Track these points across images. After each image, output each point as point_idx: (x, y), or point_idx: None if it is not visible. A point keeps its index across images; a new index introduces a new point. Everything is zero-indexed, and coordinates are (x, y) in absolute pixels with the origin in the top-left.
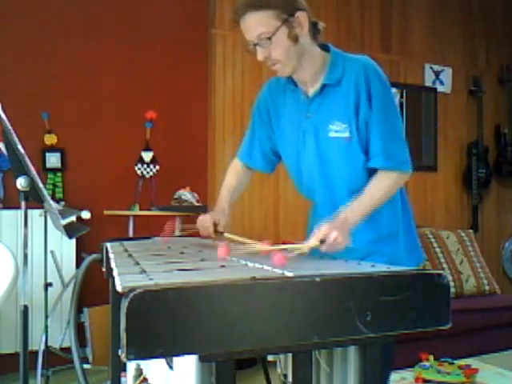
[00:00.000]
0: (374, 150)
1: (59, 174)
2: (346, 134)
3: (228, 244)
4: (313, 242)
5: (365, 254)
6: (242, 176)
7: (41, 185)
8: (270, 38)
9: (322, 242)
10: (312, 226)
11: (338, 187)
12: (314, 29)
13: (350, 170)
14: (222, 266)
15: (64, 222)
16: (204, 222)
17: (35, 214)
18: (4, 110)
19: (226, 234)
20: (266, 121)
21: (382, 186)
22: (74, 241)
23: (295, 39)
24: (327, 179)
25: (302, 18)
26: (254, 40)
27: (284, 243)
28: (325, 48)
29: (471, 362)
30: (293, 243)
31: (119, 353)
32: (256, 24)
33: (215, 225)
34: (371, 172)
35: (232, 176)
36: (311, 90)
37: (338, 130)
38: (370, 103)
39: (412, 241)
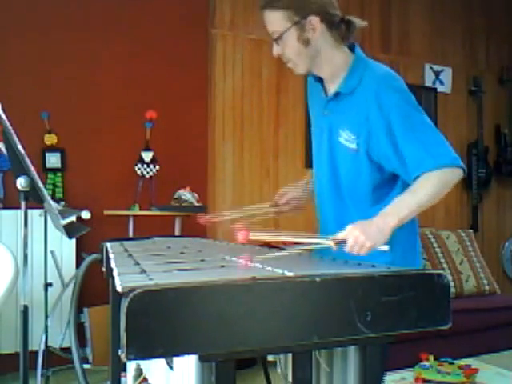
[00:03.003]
0: (416, 158)
1: (59, 174)
2: (354, 146)
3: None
4: (334, 240)
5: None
6: None
7: (41, 185)
8: (279, 38)
9: (344, 241)
10: (321, 228)
11: (346, 192)
12: (345, 28)
13: (354, 179)
14: (222, 266)
15: (64, 221)
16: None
17: (35, 214)
18: (4, 110)
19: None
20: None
21: (426, 182)
22: (73, 241)
23: (306, 42)
24: (336, 180)
25: (314, 21)
26: (271, 36)
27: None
28: (351, 48)
29: (471, 362)
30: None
31: (119, 353)
32: (269, 22)
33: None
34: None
35: None
36: (329, 90)
37: (347, 139)
38: (387, 118)
39: (411, 249)
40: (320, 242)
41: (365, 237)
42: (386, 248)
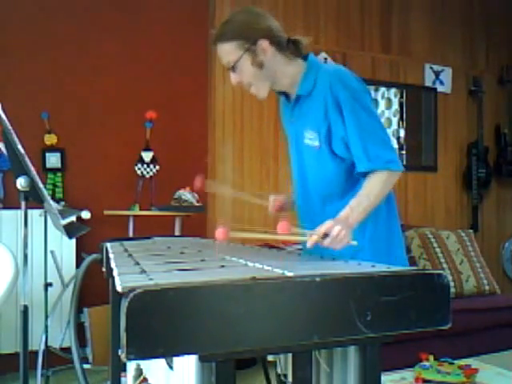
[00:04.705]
0: (356, 155)
1: (59, 174)
2: (316, 143)
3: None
4: (316, 235)
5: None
6: None
7: (41, 185)
8: (236, 65)
9: (325, 236)
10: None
11: (313, 192)
12: (294, 47)
13: (320, 176)
14: (222, 266)
15: (64, 222)
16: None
17: (35, 214)
18: (4, 110)
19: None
20: None
21: (374, 184)
22: (73, 241)
23: (260, 65)
24: (304, 184)
25: (264, 45)
26: (226, 67)
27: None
28: (305, 58)
29: (471, 362)
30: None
31: (119, 353)
32: (223, 53)
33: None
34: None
35: None
36: (292, 97)
37: (311, 138)
38: (341, 112)
39: (395, 247)
40: (302, 239)
41: (345, 231)
42: (355, 243)
